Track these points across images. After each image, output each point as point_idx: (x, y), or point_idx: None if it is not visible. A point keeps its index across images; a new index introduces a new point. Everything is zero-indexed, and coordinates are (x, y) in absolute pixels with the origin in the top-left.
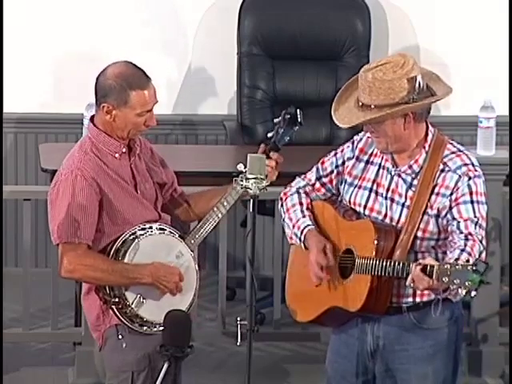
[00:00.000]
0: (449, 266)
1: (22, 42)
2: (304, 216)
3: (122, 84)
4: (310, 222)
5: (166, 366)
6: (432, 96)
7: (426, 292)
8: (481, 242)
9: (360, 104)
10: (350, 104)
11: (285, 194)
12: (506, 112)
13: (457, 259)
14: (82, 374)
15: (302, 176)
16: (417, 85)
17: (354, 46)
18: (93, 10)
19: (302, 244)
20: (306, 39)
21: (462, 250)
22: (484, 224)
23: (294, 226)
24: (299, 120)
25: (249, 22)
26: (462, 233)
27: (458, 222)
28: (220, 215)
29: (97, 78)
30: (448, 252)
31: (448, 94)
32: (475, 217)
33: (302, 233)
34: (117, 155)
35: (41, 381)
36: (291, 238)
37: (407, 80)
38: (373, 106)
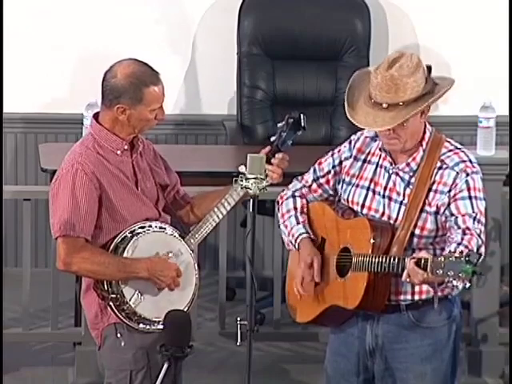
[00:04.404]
0: (442, 259)
1: (23, 42)
2: (298, 223)
3: (136, 83)
4: (303, 230)
5: (165, 366)
6: (439, 85)
7: (424, 289)
8: (479, 235)
9: (385, 106)
10: (368, 109)
11: (281, 197)
12: (506, 112)
13: (453, 252)
14: (82, 374)
15: (300, 177)
16: (427, 74)
17: (354, 46)
18: (90, 11)
19: (298, 252)
20: (305, 39)
21: (459, 244)
22: (483, 219)
23: (289, 234)
24: (302, 125)
25: (249, 22)
26: (459, 228)
27: (456, 217)
28: (220, 216)
29: (105, 79)
30: (446, 247)
31: (452, 84)
32: (473, 212)
33: (296, 241)
34: (118, 152)
35: (41, 381)
36: (288, 244)
37: (422, 70)
38: (401, 103)
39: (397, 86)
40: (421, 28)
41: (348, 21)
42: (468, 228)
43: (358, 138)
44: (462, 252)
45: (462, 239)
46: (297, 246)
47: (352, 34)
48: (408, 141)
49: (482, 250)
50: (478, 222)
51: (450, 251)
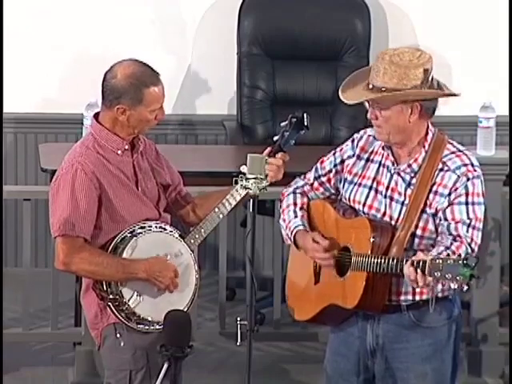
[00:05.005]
0: (440, 261)
1: (23, 42)
2: (296, 216)
3: (136, 83)
4: (300, 223)
5: (165, 366)
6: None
7: (424, 290)
8: (469, 244)
9: (370, 86)
10: (359, 88)
11: (282, 194)
12: (506, 112)
13: (439, 254)
14: (82, 374)
15: (302, 176)
16: (430, 77)
17: (354, 46)
18: (91, 12)
19: (293, 244)
20: (305, 39)
21: (447, 248)
22: (479, 225)
23: (286, 227)
24: (306, 124)
25: (249, 22)
26: (451, 234)
27: (449, 223)
28: (221, 216)
29: (105, 79)
30: (434, 249)
31: (457, 95)
32: (468, 218)
33: (292, 233)
34: (119, 152)
35: (41, 381)
36: (286, 239)
37: (423, 70)
38: (384, 89)
39: (385, 70)
40: (421, 28)
41: (348, 21)
42: (459, 235)
43: (361, 137)
44: (459, 255)
45: (451, 244)
46: (292, 239)
47: (352, 34)
48: (392, 134)
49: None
50: (473, 228)
51: (438, 253)
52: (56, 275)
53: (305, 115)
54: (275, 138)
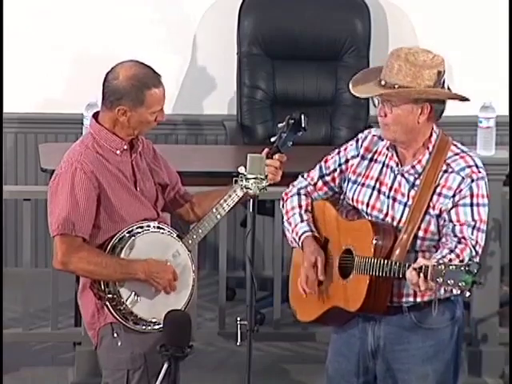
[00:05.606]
0: (443, 267)
1: (23, 42)
2: (302, 220)
3: (137, 85)
4: (307, 228)
5: (165, 366)
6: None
7: (427, 292)
8: (474, 247)
9: (383, 83)
10: (370, 84)
11: (286, 194)
12: (506, 112)
13: (443, 257)
14: (82, 374)
15: (305, 175)
16: (442, 80)
17: (354, 46)
18: (91, 12)
19: (301, 250)
20: (305, 39)
21: (451, 251)
22: (483, 227)
23: (292, 231)
24: (303, 125)
25: (249, 22)
26: (455, 236)
27: (454, 225)
28: (219, 216)
29: (106, 80)
30: (438, 251)
31: (465, 99)
32: (473, 220)
33: (299, 239)
34: (118, 152)
35: (41, 381)
36: (291, 241)
37: (437, 72)
38: (397, 86)
39: (400, 67)
40: (421, 28)
41: (348, 21)
42: (464, 238)
43: (366, 137)
44: (462, 260)
45: (456, 247)
46: (300, 245)
47: (352, 34)
48: (399, 133)
49: (476, 260)
50: (478, 230)
51: (441, 256)
52: (56, 275)
53: (302, 116)
54: (273, 139)
